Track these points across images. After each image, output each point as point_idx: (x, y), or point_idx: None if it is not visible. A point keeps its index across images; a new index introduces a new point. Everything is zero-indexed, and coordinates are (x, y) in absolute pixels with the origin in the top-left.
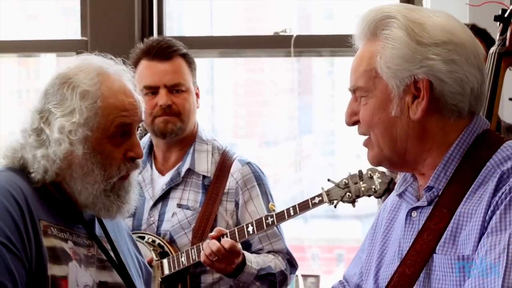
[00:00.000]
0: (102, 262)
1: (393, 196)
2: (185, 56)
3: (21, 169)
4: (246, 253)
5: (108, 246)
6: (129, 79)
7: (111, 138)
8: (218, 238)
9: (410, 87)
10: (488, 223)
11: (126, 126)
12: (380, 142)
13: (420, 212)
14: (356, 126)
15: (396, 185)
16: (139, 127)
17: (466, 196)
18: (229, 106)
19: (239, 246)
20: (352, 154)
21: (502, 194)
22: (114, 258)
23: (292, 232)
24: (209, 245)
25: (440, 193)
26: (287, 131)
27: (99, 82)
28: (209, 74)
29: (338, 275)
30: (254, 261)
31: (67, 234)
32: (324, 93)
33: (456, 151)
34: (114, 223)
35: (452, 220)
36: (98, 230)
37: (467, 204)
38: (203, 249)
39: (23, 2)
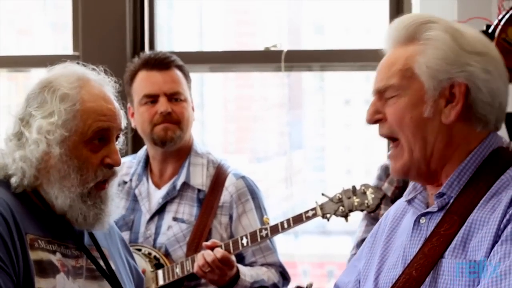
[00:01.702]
0: (91, 272)
1: (398, 204)
2: (181, 68)
3: (5, 178)
4: (240, 266)
5: (97, 255)
6: (110, 87)
7: (89, 143)
8: (212, 249)
9: (446, 90)
10: (503, 231)
11: (103, 131)
12: (411, 143)
13: (430, 218)
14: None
15: (406, 192)
16: (118, 136)
17: (479, 205)
18: (219, 122)
19: (233, 257)
20: (342, 169)
21: None
22: (104, 267)
23: (283, 248)
24: (203, 255)
25: (452, 200)
26: (278, 147)
27: (79, 86)
28: (199, 89)
29: None
30: (248, 274)
31: (55, 245)
32: (315, 109)
33: (473, 161)
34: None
35: (464, 227)
36: (87, 239)
37: (480, 212)
38: (196, 260)
39: (13, 17)
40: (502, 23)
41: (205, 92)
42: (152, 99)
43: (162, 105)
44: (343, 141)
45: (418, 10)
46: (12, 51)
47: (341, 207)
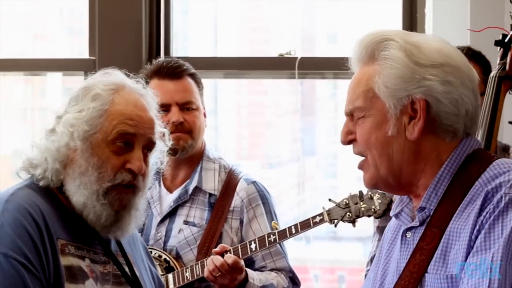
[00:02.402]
0: (117, 278)
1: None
2: (194, 76)
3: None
4: (249, 270)
5: (123, 261)
6: (149, 98)
7: (112, 144)
8: (222, 254)
9: (407, 107)
10: (474, 242)
11: (128, 136)
12: (377, 162)
13: (414, 232)
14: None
15: (393, 206)
16: (148, 147)
17: (455, 215)
18: (232, 127)
19: (242, 262)
20: (354, 176)
21: (487, 213)
22: (129, 273)
23: (294, 253)
24: (213, 260)
25: (431, 213)
26: (290, 153)
27: (113, 90)
28: (213, 95)
29: None
30: (256, 278)
31: (84, 251)
32: (327, 116)
33: (447, 171)
34: (130, 235)
35: (442, 239)
36: (113, 245)
37: (456, 223)
38: (207, 265)
39: (30, 21)
40: None
41: (218, 98)
42: (164, 108)
43: (174, 115)
44: None
45: (431, 20)
46: (28, 55)
47: (348, 213)
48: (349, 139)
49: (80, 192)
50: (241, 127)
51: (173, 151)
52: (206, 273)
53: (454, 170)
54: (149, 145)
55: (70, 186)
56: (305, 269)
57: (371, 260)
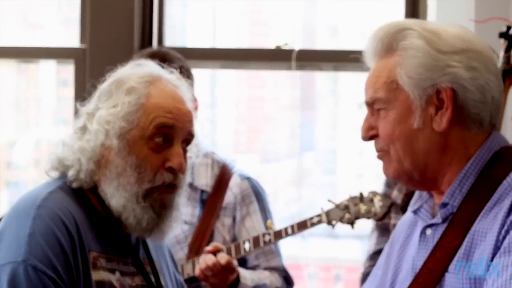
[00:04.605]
0: None
1: (409, 213)
2: (181, 69)
3: (64, 172)
4: (241, 270)
5: (149, 269)
6: (185, 89)
7: (150, 140)
8: (214, 253)
9: (433, 97)
10: (502, 242)
11: (167, 129)
12: (401, 156)
13: (435, 230)
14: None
15: (411, 202)
16: (187, 141)
17: (482, 214)
18: (230, 122)
19: (235, 262)
20: (353, 173)
21: None
22: (154, 284)
23: (290, 251)
24: (205, 259)
25: (455, 210)
26: (289, 148)
27: (148, 82)
28: (211, 88)
29: None
30: (249, 278)
31: (115, 263)
32: (327, 111)
33: (473, 167)
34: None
35: (466, 239)
36: (141, 252)
37: (482, 223)
38: (198, 264)
39: (25, 11)
40: None
41: (217, 91)
42: None
43: None
44: (355, 145)
45: (434, 12)
46: (21, 44)
47: (347, 214)
48: (370, 134)
49: (120, 194)
50: (239, 122)
51: None
52: (197, 272)
53: (481, 167)
54: (188, 139)
55: (107, 188)
56: (301, 267)
57: (370, 257)
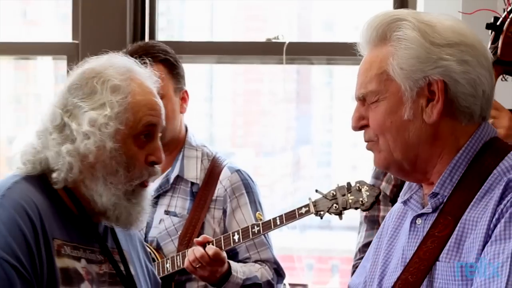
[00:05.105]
0: (113, 277)
1: (398, 204)
2: (164, 62)
3: (42, 173)
4: (232, 262)
5: (118, 258)
6: (153, 81)
7: (136, 138)
8: (204, 244)
9: (424, 89)
10: (493, 231)
11: (151, 127)
12: (392, 147)
13: (425, 220)
14: (353, 134)
15: (401, 193)
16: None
17: (472, 203)
18: (227, 115)
19: (224, 254)
20: (348, 165)
21: (508, 202)
22: (124, 272)
23: (286, 243)
24: (194, 251)
25: (445, 200)
26: (285, 141)
27: (129, 78)
28: (208, 82)
29: (332, 286)
30: (240, 270)
31: (81, 251)
32: (322, 104)
33: (463, 158)
34: (126, 231)
35: (457, 228)
36: (110, 241)
37: (473, 212)
38: (187, 256)
39: (23, 7)
40: (511, 15)
41: (214, 85)
42: None
43: None
44: (350, 137)
45: (422, 4)
46: (18, 39)
47: (335, 204)
48: (361, 124)
49: (111, 193)
50: (236, 115)
51: None
52: (186, 264)
53: (471, 157)
54: (159, 131)
55: (94, 186)
56: (298, 258)
57: (360, 250)
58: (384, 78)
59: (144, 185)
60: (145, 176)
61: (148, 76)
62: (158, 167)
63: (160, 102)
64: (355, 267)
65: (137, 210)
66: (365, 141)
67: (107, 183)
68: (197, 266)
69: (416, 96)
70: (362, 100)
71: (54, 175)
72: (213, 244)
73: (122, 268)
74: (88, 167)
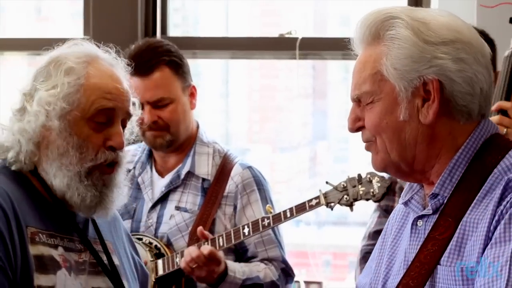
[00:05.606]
0: (95, 266)
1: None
2: (170, 64)
3: (4, 156)
4: (230, 262)
5: (100, 248)
6: (121, 69)
7: (91, 121)
8: (200, 244)
9: (419, 89)
10: (493, 233)
11: (108, 111)
12: (388, 148)
13: (426, 221)
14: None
15: (402, 193)
16: (124, 120)
17: (473, 204)
18: (243, 111)
19: (220, 253)
20: (365, 161)
21: (507, 203)
22: (106, 262)
23: (301, 239)
24: (189, 251)
25: (445, 201)
26: (301, 137)
27: (86, 62)
28: (224, 78)
29: (349, 283)
30: (239, 270)
31: (58, 239)
32: (339, 99)
33: (463, 157)
34: (111, 223)
35: (458, 230)
36: (91, 231)
37: (473, 213)
38: (184, 256)
39: (37, 4)
40: None
41: (230, 81)
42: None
43: (146, 114)
44: None
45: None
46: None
47: (345, 196)
48: (357, 126)
49: (62, 174)
50: (252, 111)
51: (153, 147)
52: (183, 265)
53: (471, 156)
54: (127, 118)
55: (49, 168)
56: (312, 254)
57: (369, 236)
58: (378, 79)
59: (106, 171)
60: (100, 159)
61: (115, 63)
62: (121, 154)
63: (121, 87)
64: (363, 252)
65: (92, 193)
66: (363, 141)
67: (60, 165)
68: (194, 266)
69: (411, 96)
70: (358, 101)
71: (9, 154)
72: (223, 238)
73: (104, 258)
74: (42, 148)
